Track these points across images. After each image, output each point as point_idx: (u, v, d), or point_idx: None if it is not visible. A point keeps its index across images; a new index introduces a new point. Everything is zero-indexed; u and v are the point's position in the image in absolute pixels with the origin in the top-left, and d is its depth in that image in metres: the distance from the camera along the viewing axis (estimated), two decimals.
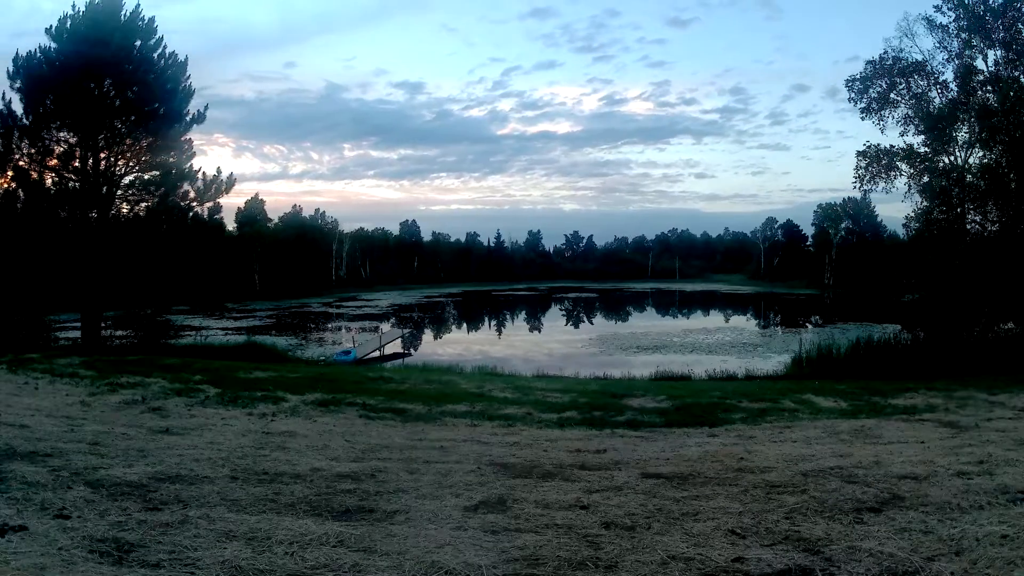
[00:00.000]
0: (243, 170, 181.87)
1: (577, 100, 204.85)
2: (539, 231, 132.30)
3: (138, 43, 19.52)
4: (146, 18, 19.68)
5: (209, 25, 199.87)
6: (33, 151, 19.08)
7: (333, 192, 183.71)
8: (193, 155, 20.47)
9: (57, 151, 19.26)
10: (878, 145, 18.51)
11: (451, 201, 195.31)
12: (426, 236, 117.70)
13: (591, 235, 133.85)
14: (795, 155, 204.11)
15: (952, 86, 17.91)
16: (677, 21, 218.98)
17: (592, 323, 52.74)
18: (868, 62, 18.44)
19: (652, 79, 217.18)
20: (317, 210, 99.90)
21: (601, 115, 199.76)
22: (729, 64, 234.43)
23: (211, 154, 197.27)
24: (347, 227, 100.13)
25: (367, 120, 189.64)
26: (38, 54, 18.74)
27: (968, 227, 17.75)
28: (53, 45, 18.93)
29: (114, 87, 19.30)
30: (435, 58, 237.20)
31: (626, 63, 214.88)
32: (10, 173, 19.13)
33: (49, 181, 19.62)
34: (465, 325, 52.25)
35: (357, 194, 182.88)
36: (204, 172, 20.69)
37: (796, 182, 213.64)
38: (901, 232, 22.81)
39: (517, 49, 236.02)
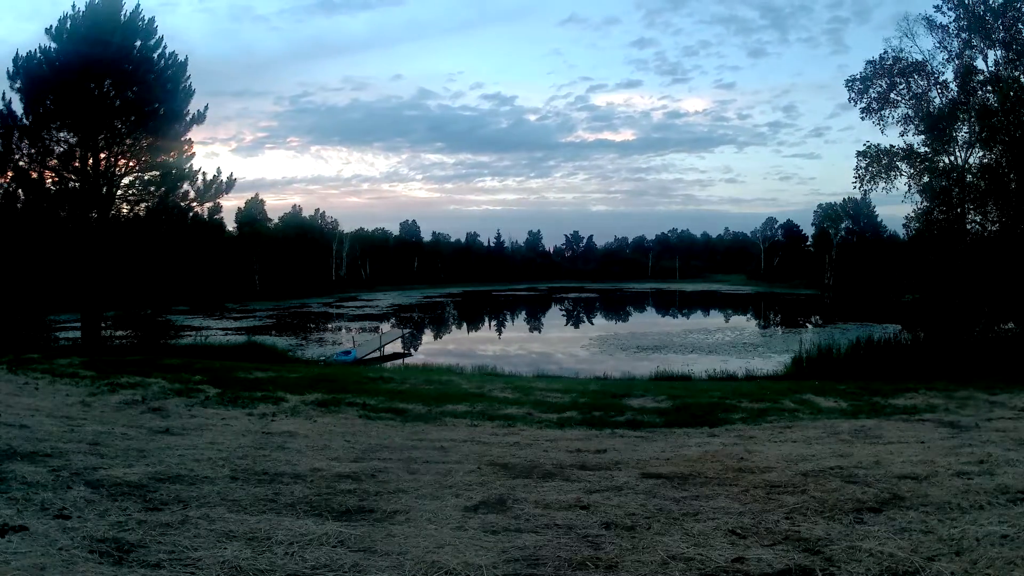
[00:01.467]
0: (307, 172, 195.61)
1: (644, 113, 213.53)
2: (539, 231, 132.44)
3: (138, 43, 19.52)
4: (146, 18, 19.70)
5: (301, 29, 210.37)
6: (33, 151, 19.07)
7: (372, 193, 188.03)
8: (193, 155, 20.48)
9: (57, 151, 19.24)
10: (878, 145, 18.50)
11: (484, 202, 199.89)
12: (426, 236, 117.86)
13: (591, 235, 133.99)
14: (825, 163, 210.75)
15: (952, 86, 17.91)
16: (757, 52, 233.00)
17: (592, 323, 52.75)
18: (868, 62, 18.43)
19: (717, 97, 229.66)
20: (317, 210, 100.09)
21: (660, 126, 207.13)
22: (788, 86, 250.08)
23: (278, 155, 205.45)
24: (352, 226, 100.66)
25: (443, 127, 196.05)
26: (38, 54, 18.74)
27: (968, 227, 17.74)
28: (53, 45, 18.93)
29: (114, 87, 19.29)
30: (534, 76, 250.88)
31: (699, 84, 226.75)
32: (10, 173, 19.12)
33: (49, 181, 19.61)
34: (465, 325, 52.25)
35: (396, 195, 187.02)
36: (204, 172, 20.71)
37: (820, 186, 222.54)
38: (901, 232, 22.83)
39: (608, 71, 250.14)
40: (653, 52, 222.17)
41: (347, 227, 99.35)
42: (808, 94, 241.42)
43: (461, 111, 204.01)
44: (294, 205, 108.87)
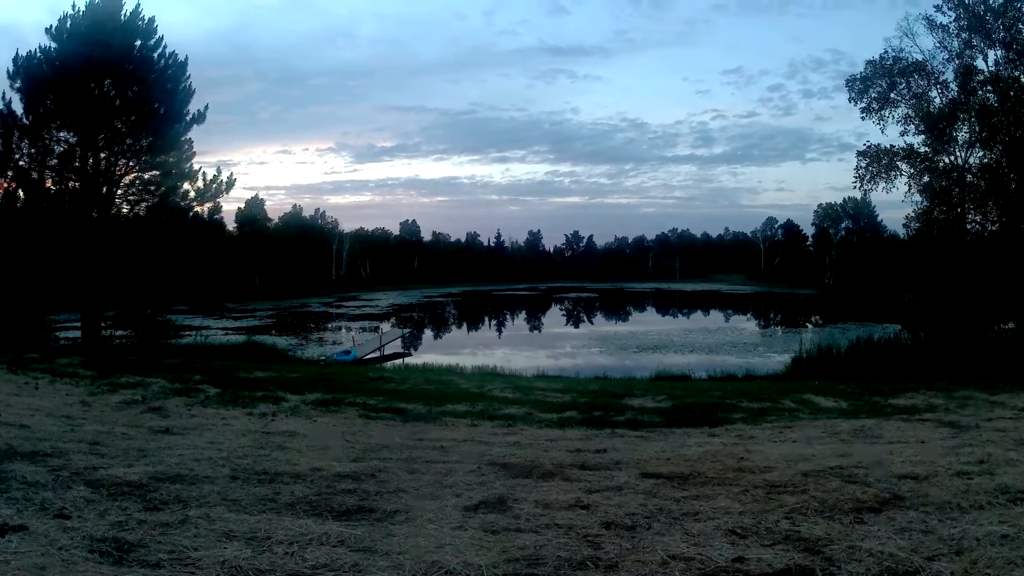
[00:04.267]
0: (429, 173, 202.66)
1: (741, 127, 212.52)
2: (539, 231, 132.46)
3: (138, 43, 19.51)
4: (146, 18, 19.67)
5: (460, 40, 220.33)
6: (33, 151, 19.06)
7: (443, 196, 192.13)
8: (193, 155, 20.47)
9: (57, 151, 19.24)
10: (878, 145, 18.50)
11: (558, 203, 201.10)
12: (426, 236, 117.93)
13: (591, 235, 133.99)
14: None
15: (952, 86, 17.89)
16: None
17: (592, 323, 52.75)
18: (868, 62, 18.41)
19: (815, 115, 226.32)
20: (317, 210, 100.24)
21: (746, 137, 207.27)
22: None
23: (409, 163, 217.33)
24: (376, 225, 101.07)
25: (564, 140, 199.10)
26: (38, 54, 18.73)
27: (968, 227, 17.73)
28: (53, 45, 18.92)
29: (114, 87, 19.29)
30: (671, 102, 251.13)
31: (804, 106, 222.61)
32: (10, 173, 19.11)
33: (49, 181, 19.61)
34: (465, 325, 52.26)
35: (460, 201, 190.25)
36: (204, 172, 20.71)
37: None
38: (901, 232, 22.81)
39: (734, 105, 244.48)
40: (779, 95, 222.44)
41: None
42: None
43: (587, 127, 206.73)
44: (294, 204, 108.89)
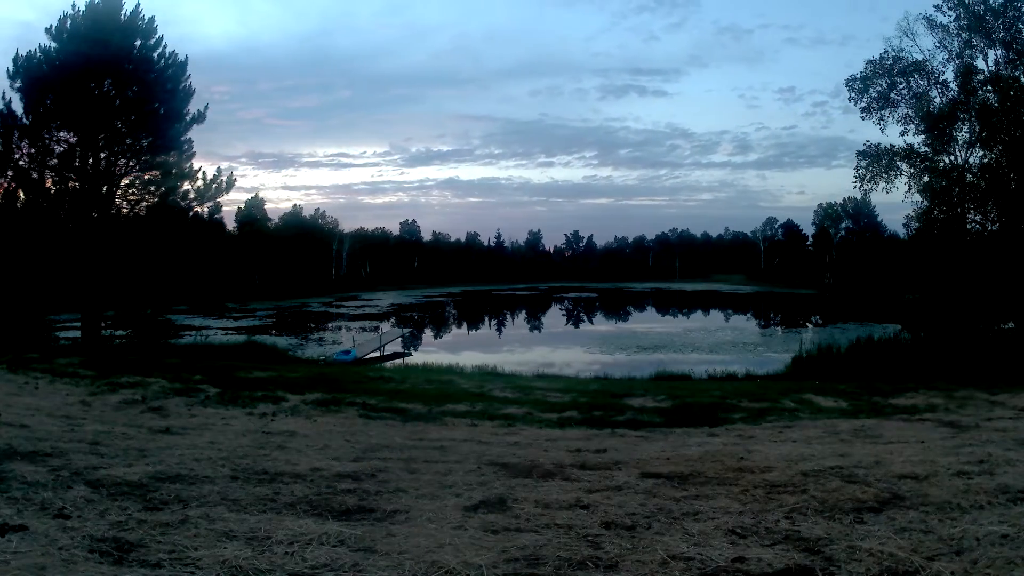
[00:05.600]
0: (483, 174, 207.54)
1: (778, 137, 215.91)
2: (539, 231, 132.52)
3: (138, 43, 19.52)
4: (146, 18, 19.71)
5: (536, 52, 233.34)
6: (33, 151, 19.09)
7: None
8: (193, 155, 20.49)
9: (57, 151, 19.27)
10: (878, 145, 18.51)
11: (586, 205, 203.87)
12: (426, 236, 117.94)
13: (591, 235, 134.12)
14: None
15: (952, 86, 17.91)
16: None
17: (592, 323, 52.77)
18: (868, 62, 18.44)
19: (849, 127, 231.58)
20: (317, 210, 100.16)
21: (782, 146, 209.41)
22: None
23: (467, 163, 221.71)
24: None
25: (611, 146, 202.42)
26: (38, 54, 18.74)
27: (968, 227, 17.73)
28: (53, 45, 18.94)
29: (114, 87, 19.30)
30: (722, 112, 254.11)
31: (841, 120, 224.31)
32: (10, 173, 19.12)
33: (49, 181, 19.62)
34: (465, 325, 52.27)
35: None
36: (204, 172, 20.73)
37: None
38: (901, 232, 22.82)
39: (787, 118, 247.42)
40: (821, 110, 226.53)
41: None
42: None
43: (636, 134, 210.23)
44: (294, 204, 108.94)
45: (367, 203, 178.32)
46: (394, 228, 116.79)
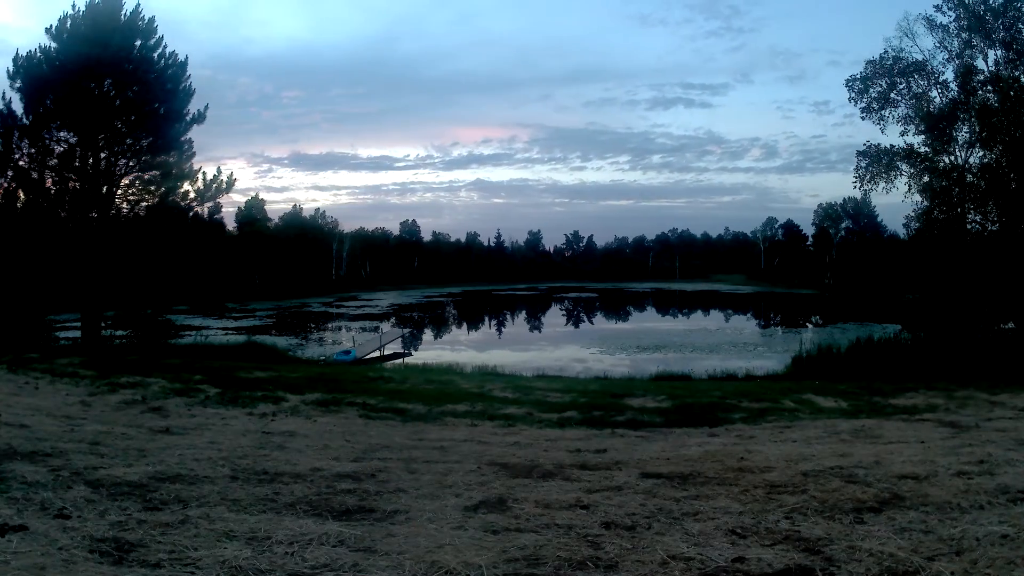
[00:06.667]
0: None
1: (804, 144, 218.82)
2: (539, 231, 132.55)
3: (138, 43, 19.51)
4: (146, 18, 19.69)
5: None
6: (33, 151, 19.07)
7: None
8: (193, 155, 20.47)
9: (57, 151, 19.25)
10: (878, 145, 18.49)
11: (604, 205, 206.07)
12: (426, 236, 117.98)
13: (591, 235, 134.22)
14: None
15: (952, 86, 17.89)
16: None
17: (592, 323, 52.77)
18: (868, 62, 18.41)
19: (869, 135, 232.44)
20: (317, 210, 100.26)
21: (807, 152, 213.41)
22: None
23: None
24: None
25: (644, 152, 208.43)
26: (38, 54, 18.73)
27: (968, 227, 17.72)
28: (53, 45, 18.92)
29: (114, 87, 19.29)
30: (757, 123, 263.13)
31: (866, 128, 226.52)
32: (10, 173, 19.11)
33: (49, 181, 19.61)
34: (465, 325, 52.27)
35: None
36: (204, 172, 20.71)
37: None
38: (901, 232, 22.81)
39: (817, 127, 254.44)
40: (850, 121, 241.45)
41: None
42: None
43: (673, 138, 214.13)
44: (294, 204, 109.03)
45: (393, 203, 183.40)
46: (396, 228, 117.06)
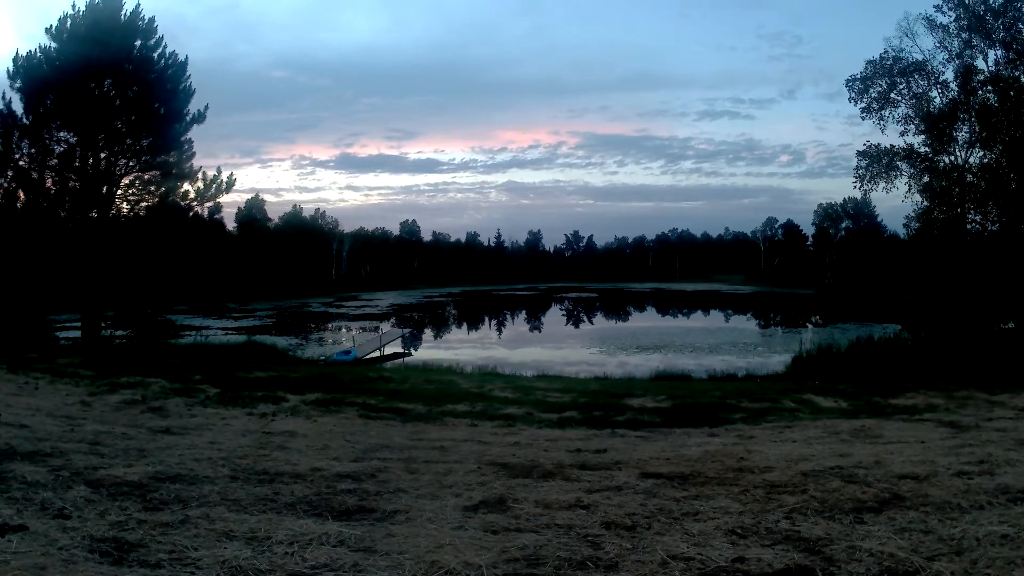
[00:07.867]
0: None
1: (829, 151, 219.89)
2: (539, 231, 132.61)
3: (138, 43, 19.51)
4: (146, 18, 19.70)
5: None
6: (33, 151, 19.08)
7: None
8: (193, 155, 20.48)
9: (57, 151, 19.26)
10: (878, 145, 18.50)
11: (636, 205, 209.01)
12: (426, 236, 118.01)
13: (591, 235, 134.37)
14: None
15: (952, 86, 17.89)
16: None
17: (592, 323, 52.76)
18: (868, 62, 18.42)
19: (890, 142, 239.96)
20: (317, 210, 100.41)
21: (830, 159, 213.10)
22: None
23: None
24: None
25: (677, 157, 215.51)
26: (38, 54, 18.74)
27: (968, 227, 17.72)
28: (53, 45, 18.93)
29: (114, 87, 19.29)
30: (791, 132, 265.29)
31: (893, 136, 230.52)
32: (10, 173, 19.11)
33: (49, 181, 19.61)
34: (465, 325, 52.27)
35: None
36: (204, 172, 20.71)
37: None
38: (901, 232, 22.82)
39: (845, 137, 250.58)
40: (875, 131, 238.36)
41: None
42: None
43: (704, 145, 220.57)
44: (294, 204, 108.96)
45: (422, 204, 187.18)
46: (388, 228, 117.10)
